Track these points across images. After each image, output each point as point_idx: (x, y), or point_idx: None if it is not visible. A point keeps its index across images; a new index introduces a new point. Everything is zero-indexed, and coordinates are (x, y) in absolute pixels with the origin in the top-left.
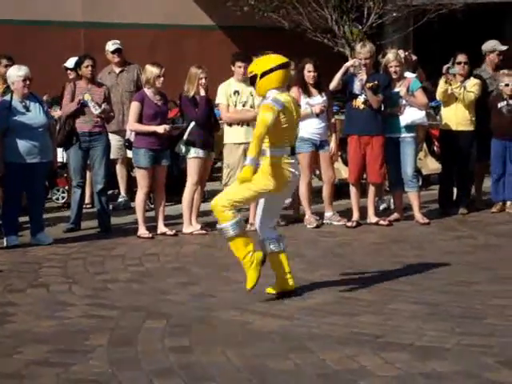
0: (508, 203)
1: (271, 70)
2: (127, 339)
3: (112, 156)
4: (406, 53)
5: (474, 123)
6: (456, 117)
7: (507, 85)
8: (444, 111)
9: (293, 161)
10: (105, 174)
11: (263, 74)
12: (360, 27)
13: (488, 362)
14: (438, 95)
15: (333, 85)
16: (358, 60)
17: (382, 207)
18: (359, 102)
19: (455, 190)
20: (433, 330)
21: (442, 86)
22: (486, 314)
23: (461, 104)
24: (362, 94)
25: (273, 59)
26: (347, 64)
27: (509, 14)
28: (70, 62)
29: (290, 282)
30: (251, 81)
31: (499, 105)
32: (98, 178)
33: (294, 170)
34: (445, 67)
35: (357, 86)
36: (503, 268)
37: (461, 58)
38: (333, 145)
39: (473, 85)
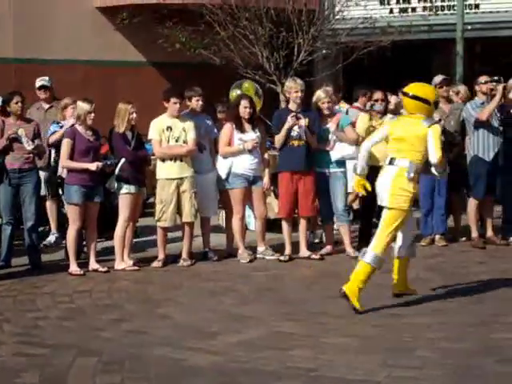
0: (437, 237)
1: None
2: (58, 377)
3: (42, 192)
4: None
5: None
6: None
7: (440, 120)
8: None
9: None
10: (35, 211)
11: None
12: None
13: None
14: (361, 132)
15: (279, 145)
16: (293, 118)
17: (315, 240)
18: (294, 141)
19: None
20: (364, 363)
21: (365, 122)
22: (417, 347)
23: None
24: (299, 136)
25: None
26: (286, 127)
27: (436, 49)
28: None
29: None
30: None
31: None
32: (28, 215)
33: None
34: (368, 104)
35: (296, 130)
36: (433, 301)
37: (377, 95)
38: (266, 180)
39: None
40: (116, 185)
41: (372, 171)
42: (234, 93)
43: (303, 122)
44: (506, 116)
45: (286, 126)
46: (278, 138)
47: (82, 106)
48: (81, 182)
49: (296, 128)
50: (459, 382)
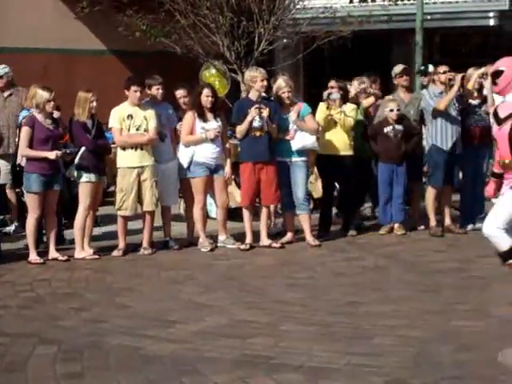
0: (396, 225)
1: None
2: (18, 366)
3: (0, 181)
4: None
5: (353, 148)
6: (337, 141)
7: (391, 110)
8: (324, 136)
9: None
10: None
11: None
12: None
13: (377, 382)
14: (319, 120)
15: (240, 136)
16: (256, 110)
17: (275, 231)
18: (256, 131)
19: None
20: (323, 351)
21: (323, 111)
22: (375, 335)
23: (340, 129)
24: (261, 126)
25: None
26: (249, 118)
27: (395, 39)
28: None
29: None
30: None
31: (385, 129)
32: None
33: None
34: (325, 93)
35: (256, 121)
36: (391, 289)
37: (331, 83)
38: (227, 169)
39: (351, 110)
40: (76, 173)
41: (331, 160)
42: (207, 73)
43: (265, 113)
44: (464, 105)
45: (249, 117)
46: (240, 129)
47: (42, 94)
48: (40, 170)
49: (257, 118)
50: (417, 369)
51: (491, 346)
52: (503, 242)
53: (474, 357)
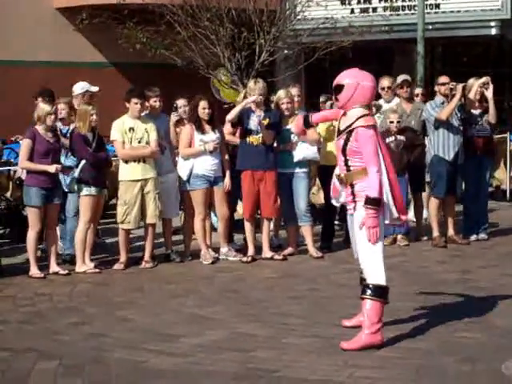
0: (399, 236)
1: None
2: (19, 381)
3: None
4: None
5: None
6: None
7: (392, 122)
8: (325, 147)
9: None
10: None
11: None
12: None
13: None
14: (322, 131)
15: (230, 117)
16: (260, 97)
17: (277, 242)
18: (254, 138)
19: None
20: (326, 364)
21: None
22: (378, 346)
23: None
24: (257, 130)
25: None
26: (248, 100)
27: (397, 49)
28: None
29: None
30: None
31: (387, 140)
32: None
33: None
34: (328, 103)
35: (253, 122)
36: (394, 300)
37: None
38: (227, 180)
39: None
40: (76, 186)
41: (333, 171)
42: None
43: (262, 112)
44: (466, 116)
45: (249, 100)
46: (234, 111)
47: (43, 107)
48: (40, 183)
49: (254, 118)
50: (420, 381)
51: (494, 357)
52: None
53: (477, 368)
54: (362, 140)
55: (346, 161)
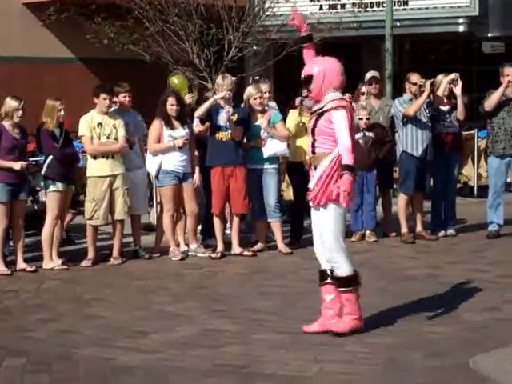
0: (367, 232)
1: None
2: None
3: None
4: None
5: None
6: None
7: (361, 118)
8: (294, 143)
9: None
10: None
11: None
12: None
13: None
14: (291, 127)
15: (199, 113)
16: (229, 93)
17: (254, 238)
18: (223, 134)
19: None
20: (295, 359)
21: (295, 118)
22: (347, 342)
23: None
24: (226, 126)
25: None
26: (217, 96)
27: (365, 46)
28: None
29: None
30: None
31: (356, 136)
32: None
33: None
34: (298, 99)
35: (222, 118)
36: (363, 296)
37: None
38: (196, 177)
39: None
40: (43, 183)
41: (301, 167)
42: (176, 79)
43: (230, 108)
44: (434, 112)
45: (217, 96)
46: (203, 107)
47: (10, 103)
48: (6, 179)
49: (224, 115)
50: (388, 376)
51: (462, 352)
52: None
53: (445, 363)
54: (335, 120)
55: (313, 142)
